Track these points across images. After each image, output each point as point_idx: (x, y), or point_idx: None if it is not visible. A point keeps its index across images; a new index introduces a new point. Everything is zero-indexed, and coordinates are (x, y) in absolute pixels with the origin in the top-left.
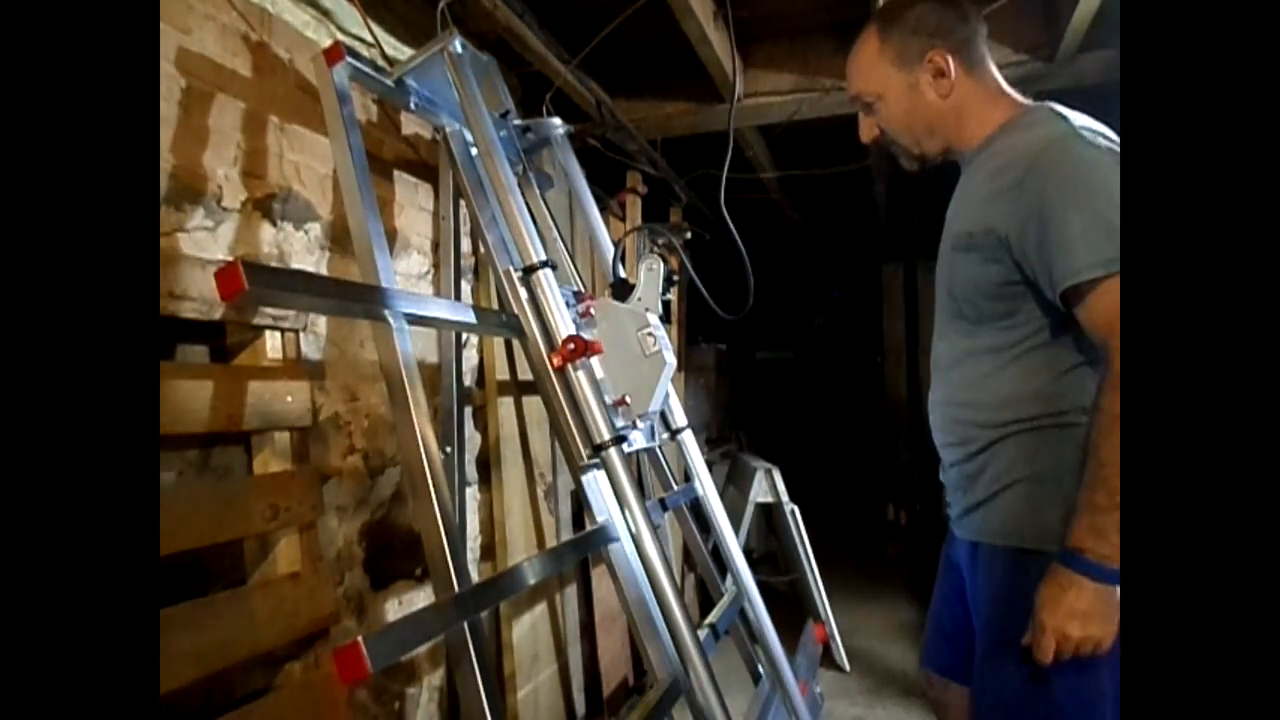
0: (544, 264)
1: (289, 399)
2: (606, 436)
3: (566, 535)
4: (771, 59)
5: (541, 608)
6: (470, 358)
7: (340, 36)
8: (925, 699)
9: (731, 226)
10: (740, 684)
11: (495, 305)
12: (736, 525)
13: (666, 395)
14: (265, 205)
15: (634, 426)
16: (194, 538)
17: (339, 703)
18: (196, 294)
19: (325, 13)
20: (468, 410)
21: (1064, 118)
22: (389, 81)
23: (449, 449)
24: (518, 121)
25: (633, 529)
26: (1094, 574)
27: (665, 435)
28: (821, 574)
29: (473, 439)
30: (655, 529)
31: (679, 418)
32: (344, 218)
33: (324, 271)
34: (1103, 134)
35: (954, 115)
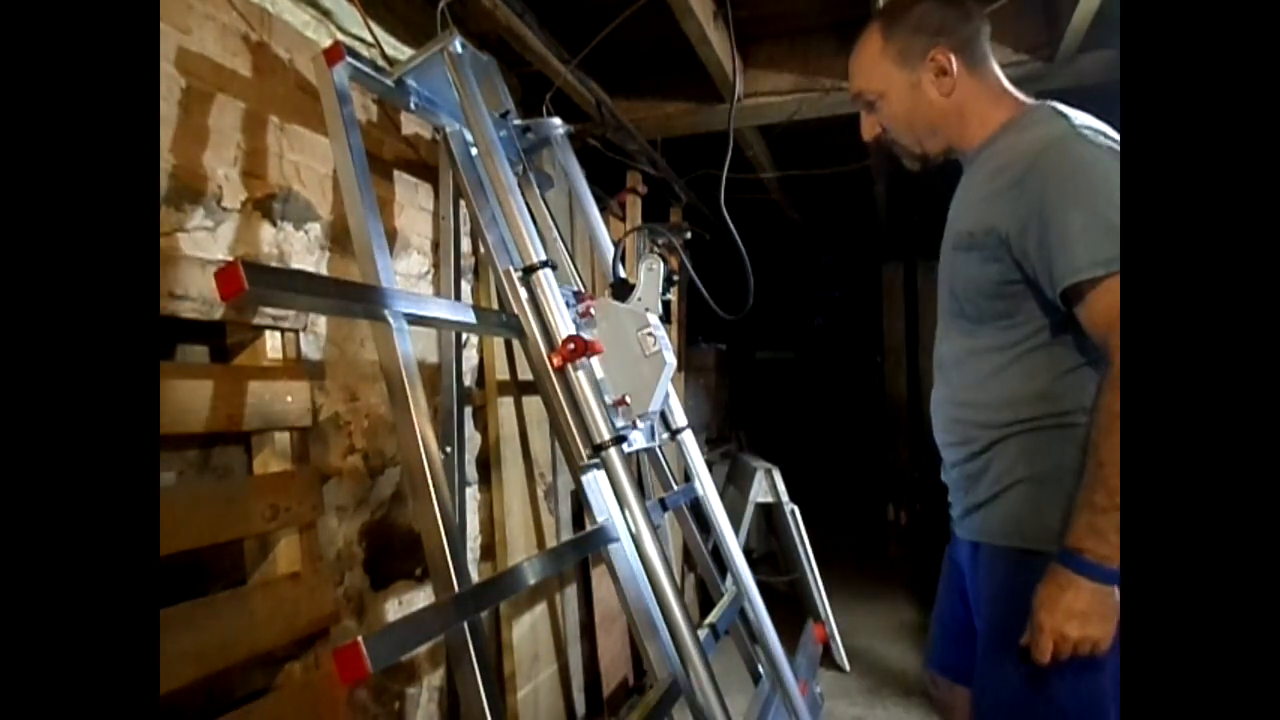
0: (544, 264)
1: (289, 399)
2: (606, 436)
3: (566, 535)
4: (771, 59)
5: (541, 608)
6: (470, 358)
7: (340, 36)
8: (926, 699)
9: (731, 226)
10: (740, 684)
11: (495, 305)
12: (736, 525)
13: (666, 395)
14: (265, 205)
15: (634, 426)
16: (194, 538)
17: (339, 703)
18: (196, 294)
19: (325, 13)
20: (468, 410)
21: (1065, 117)
22: (389, 81)
23: (449, 449)
24: (518, 121)
25: (633, 529)
26: (1093, 574)
27: (665, 435)
28: (821, 574)
29: (473, 439)
30: (655, 529)
31: (679, 418)
32: (344, 218)
33: (324, 271)
34: (1104, 133)
35: (956, 114)
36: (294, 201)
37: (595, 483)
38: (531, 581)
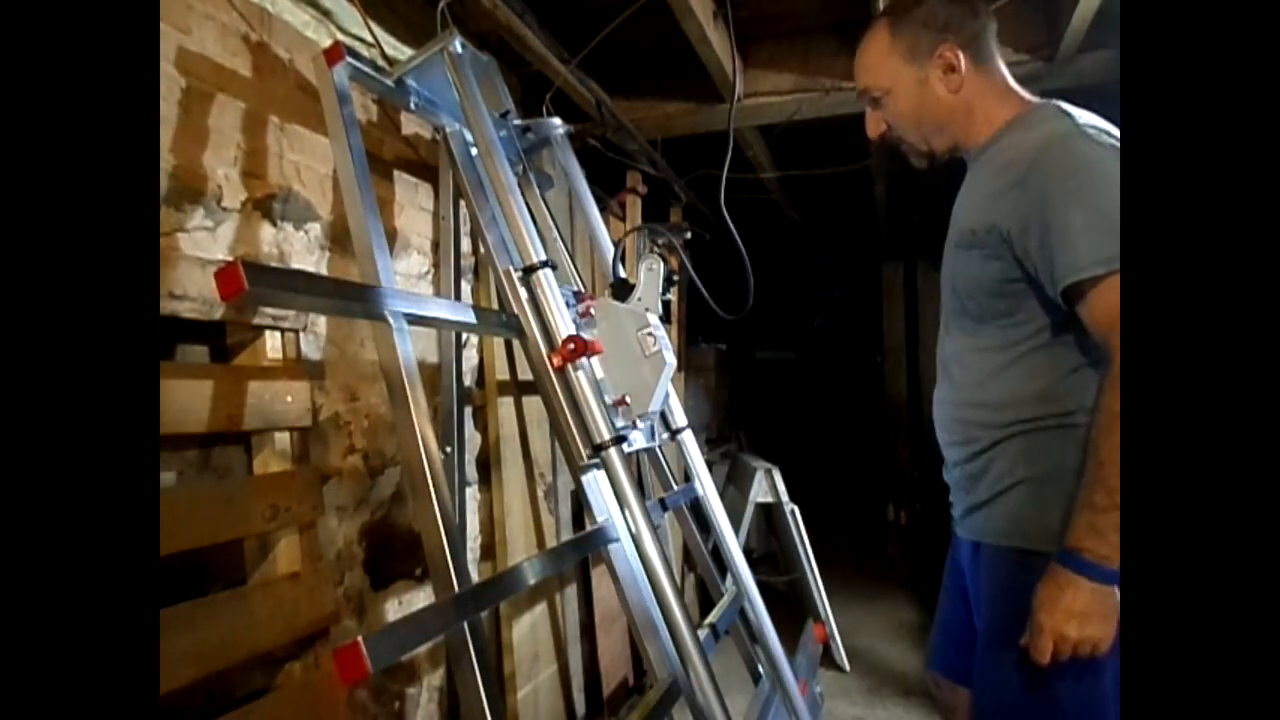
0: (544, 264)
1: (289, 399)
2: (606, 436)
3: (566, 535)
4: (772, 59)
5: (541, 608)
6: (470, 358)
7: (340, 36)
8: (926, 699)
9: (731, 226)
10: (740, 684)
11: (495, 305)
12: (736, 525)
13: (666, 395)
14: (265, 205)
15: (634, 426)
16: (194, 538)
17: (339, 703)
18: (196, 294)
19: (325, 13)
20: (468, 410)
21: (1069, 115)
22: (389, 81)
23: (449, 449)
24: (518, 121)
25: (633, 529)
26: (1092, 574)
27: (665, 435)
28: (821, 574)
29: (473, 439)
30: (655, 529)
31: (679, 418)
32: (344, 218)
33: (324, 271)
34: (1108, 132)
35: (963, 111)
36: (294, 201)
37: (595, 483)
38: (531, 581)
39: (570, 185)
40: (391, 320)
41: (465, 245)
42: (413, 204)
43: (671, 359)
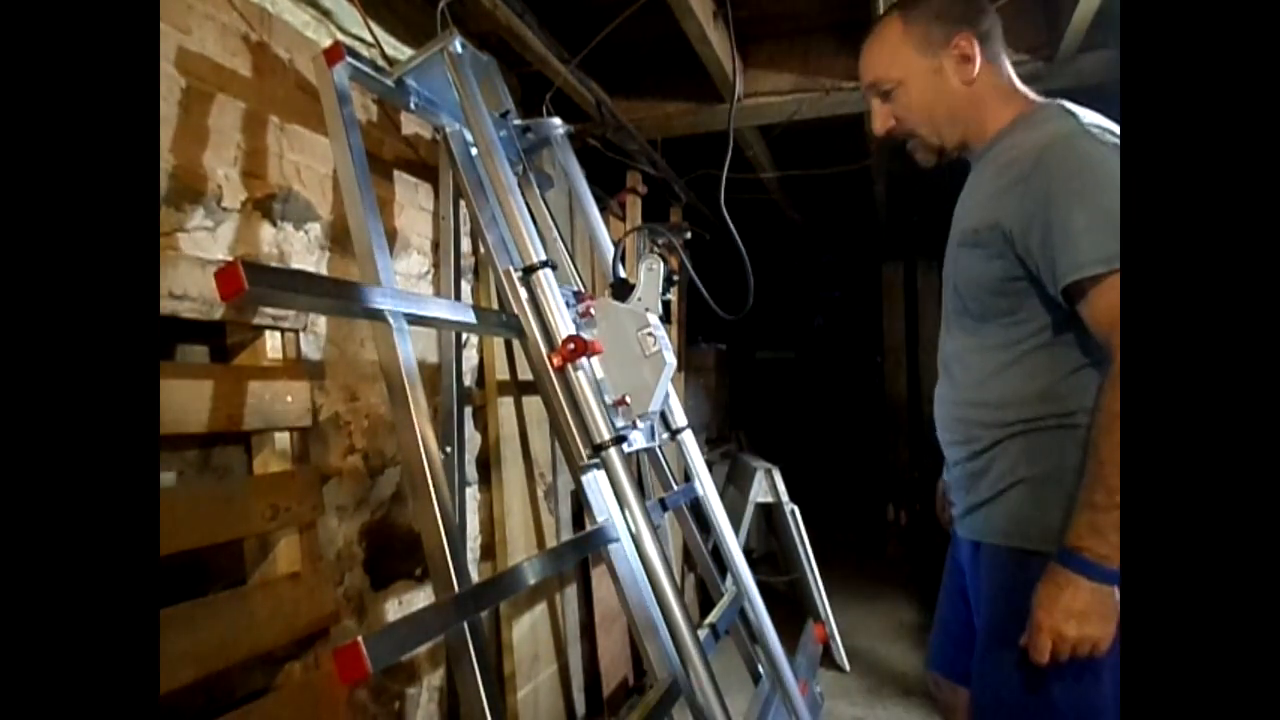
0: (544, 264)
1: (289, 399)
2: (606, 436)
3: (566, 535)
4: (772, 59)
5: (541, 608)
6: (470, 358)
7: (340, 36)
8: (926, 699)
9: (731, 226)
10: (740, 684)
11: (495, 305)
12: (736, 525)
13: (666, 395)
14: (265, 205)
15: (634, 426)
16: (194, 538)
17: (339, 703)
18: (196, 294)
19: (325, 13)
20: (468, 410)
21: (1073, 115)
22: (389, 81)
23: (449, 449)
24: (518, 121)
25: (633, 529)
26: (1092, 573)
27: (665, 435)
28: (821, 574)
29: (473, 439)
30: (655, 529)
31: (679, 418)
32: (344, 218)
33: (324, 271)
34: (1112, 131)
35: (974, 104)
36: (294, 201)
37: (595, 483)
38: (531, 581)
39: (570, 185)
40: (391, 320)
41: (465, 245)
42: (413, 204)
43: (671, 359)
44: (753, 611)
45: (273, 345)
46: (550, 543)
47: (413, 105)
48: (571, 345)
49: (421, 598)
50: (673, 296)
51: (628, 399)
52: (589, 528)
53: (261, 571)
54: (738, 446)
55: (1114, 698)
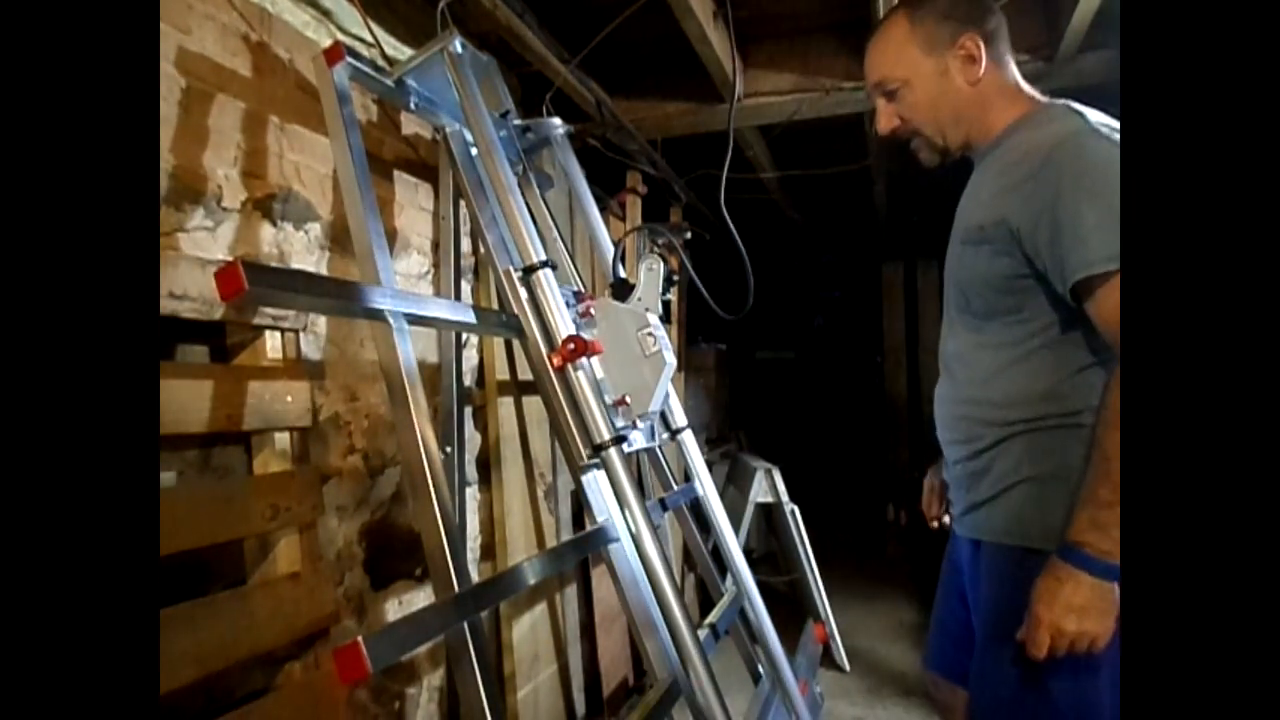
0: (544, 264)
1: (289, 399)
2: (606, 436)
3: (566, 535)
4: (772, 59)
5: (541, 608)
6: (470, 358)
7: (340, 36)
8: (926, 699)
9: (731, 226)
10: (740, 684)
11: (495, 305)
12: (736, 525)
13: (666, 395)
14: (265, 205)
15: (634, 426)
16: (194, 538)
17: (339, 703)
18: (196, 294)
19: (325, 13)
20: (468, 410)
21: (1080, 114)
22: (389, 81)
23: (449, 449)
24: (518, 121)
25: (633, 529)
26: (1093, 569)
27: (665, 435)
28: (821, 574)
29: (473, 439)
30: (655, 529)
31: (679, 418)
32: (344, 218)
33: (324, 271)
34: (1119, 130)
35: (979, 104)
36: (294, 201)
37: (595, 483)
38: (531, 581)
39: (570, 185)
40: (391, 320)
41: (465, 245)
42: (413, 204)
43: (671, 359)
44: (753, 611)
45: (273, 345)
46: (550, 543)
47: (413, 105)
48: (571, 345)
49: (421, 598)
50: (673, 296)
51: (628, 399)
52: (589, 528)
53: (261, 571)
54: (738, 446)
55: (1112, 695)
